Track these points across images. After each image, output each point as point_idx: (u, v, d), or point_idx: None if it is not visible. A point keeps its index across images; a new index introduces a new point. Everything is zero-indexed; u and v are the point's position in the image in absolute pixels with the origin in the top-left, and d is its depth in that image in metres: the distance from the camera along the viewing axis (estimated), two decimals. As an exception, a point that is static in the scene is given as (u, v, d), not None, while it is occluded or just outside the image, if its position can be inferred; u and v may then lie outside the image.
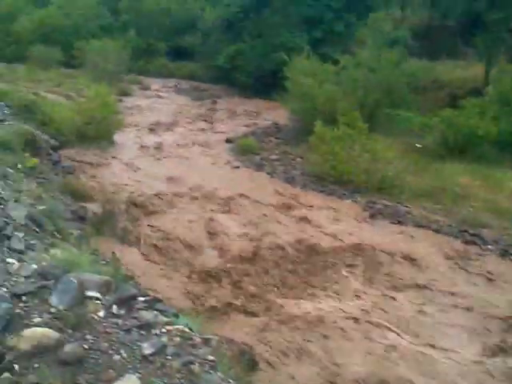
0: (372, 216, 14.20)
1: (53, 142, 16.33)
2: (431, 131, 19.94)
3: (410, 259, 11.46)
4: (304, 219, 13.52)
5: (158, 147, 20.22)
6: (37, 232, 7.08)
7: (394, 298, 9.67)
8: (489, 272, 11.12)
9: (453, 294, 10.03)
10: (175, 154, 19.44)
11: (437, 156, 18.78)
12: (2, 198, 7.78)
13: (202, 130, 24.27)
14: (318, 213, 14.15)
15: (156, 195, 14.43)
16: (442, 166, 17.73)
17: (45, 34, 47.92)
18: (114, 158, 18.16)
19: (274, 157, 19.78)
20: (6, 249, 5.58)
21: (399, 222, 13.86)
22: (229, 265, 10.42)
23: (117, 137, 20.43)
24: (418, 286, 10.26)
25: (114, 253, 9.41)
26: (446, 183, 16.01)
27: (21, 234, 6.34)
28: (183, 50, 48.67)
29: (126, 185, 15.16)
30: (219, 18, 41.72)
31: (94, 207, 12.21)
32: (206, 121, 26.43)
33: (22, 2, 57.32)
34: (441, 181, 16.20)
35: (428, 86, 26.47)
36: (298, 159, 19.48)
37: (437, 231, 13.38)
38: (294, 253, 11.29)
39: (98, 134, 19.14)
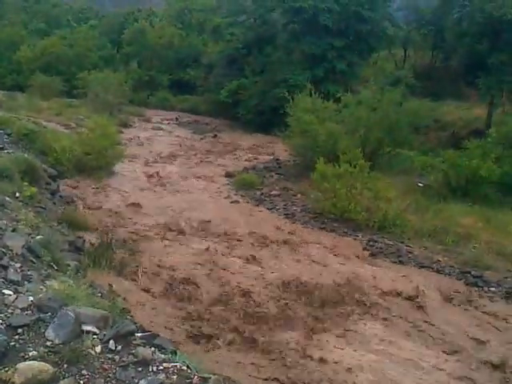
0: (373, 254, 14.02)
1: (52, 171, 16.26)
2: (433, 171, 19.90)
3: (410, 300, 11.22)
4: (303, 256, 13.33)
5: (158, 179, 20.16)
6: (33, 262, 6.93)
7: (396, 344, 9.36)
8: (490, 314, 10.88)
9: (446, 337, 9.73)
10: (175, 187, 19.35)
11: (439, 196, 18.69)
12: (0, 227, 7.64)
13: (203, 163, 24.27)
14: (318, 250, 13.96)
15: (154, 227, 14.29)
16: (444, 206, 17.64)
17: (47, 64, 48.44)
18: (112, 188, 18.06)
19: (274, 192, 19.69)
20: (2, 280, 5.47)
21: (400, 262, 13.67)
22: (227, 299, 10.20)
23: (116, 168, 20.36)
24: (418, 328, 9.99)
25: (110, 285, 9.18)
26: (449, 223, 15.88)
27: (18, 265, 6.23)
28: (185, 84, 49.21)
29: (124, 216, 14.99)
30: (222, 53, 42.18)
31: (91, 238, 12.01)
32: (206, 154, 26.45)
33: (25, 32, 58.05)
34: (443, 221, 16.07)
35: (430, 125, 26.57)
36: (299, 195, 19.38)
37: (438, 272, 13.20)
38: (292, 289, 11.07)
39: (97, 164, 19.10)
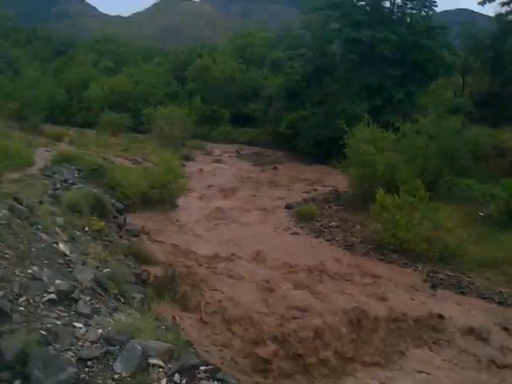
0: (433, 286, 13.86)
1: (119, 205, 16.93)
2: (494, 200, 19.48)
3: (474, 333, 11.07)
4: (364, 288, 13.31)
5: (220, 211, 20.57)
6: (102, 295, 7.22)
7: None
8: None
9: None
10: (236, 219, 19.69)
11: (500, 225, 18.24)
12: (71, 260, 8.08)
13: (263, 195, 24.57)
14: (378, 281, 13.91)
15: (216, 259, 14.57)
16: (505, 235, 17.21)
17: (115, 101, 50.33)
18: (176, 221, 18.57)
19: (333, 223, 19.73)
20: (73, 313, 5.77)
21: (461, 293, 13.49)
22: (291, 334, 10.29)
23: (180, 201, 20.92)
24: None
25: (174, 318, 9.49)
26: (511, 254, 15.51)
27: (87, 298, 6.52)
28: (246, 117, 50.10)
29: (187, 249, 15.38)
30: (281, 86, 42.81)
31: (155, 271, 12.42)
32: (266, 186, 26.79)
33: (95, 71, 60.63)
34: (505, 251, 15.68)
35: (490, 153, 26.04)
36: (358, 226, 19.33)
37: (501, 303, 12.94)
38: (359, 323, 11.09)
39: (162, 198, 19.70)
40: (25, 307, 5.48)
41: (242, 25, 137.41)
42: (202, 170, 30.38)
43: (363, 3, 38.86)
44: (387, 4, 38.37)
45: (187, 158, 32.81)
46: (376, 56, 35.04)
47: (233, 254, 15.08)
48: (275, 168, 33.23)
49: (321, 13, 39.08)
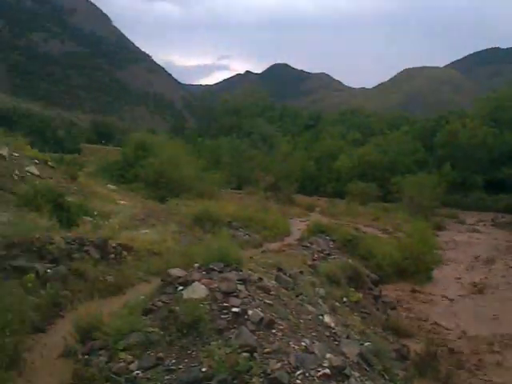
0: None
1: (373, 276, 16.75)
2: None
3: None
4: None
5: (478, 285, 19.12)
6: (367, 371, 7.03)
7: None
8: None
9: None
10: (498, 294, 18.08)
11: None
12: (336, 333, 8.06)
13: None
14: None
15: (480, 339, 13.45)
16: None
17: (363, 171, 51.27)
18: (432, 294, 17.73)
19: None
20: None
21: None
22: None
23: (435, 272, 20.03)
24: None
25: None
26: None
27: (356, 374, 6.39)
28: (500, 183, 47.04)
29: (447, 325, 14.50)
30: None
31: (415, 346, 11.88)
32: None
33: (343, 142, 62.93)
34: None
35: None
36: None
37: None
38: None
39: (416, 269, 19.10)
40: (301, 380, 5.55)
41: (490, 87, 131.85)
42: (455, 239, 28.94)
43: None
44: None
45: (439, 227, 31.74)
46: None
47: (500, 334, 13.74)
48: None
49: None
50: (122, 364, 5.93)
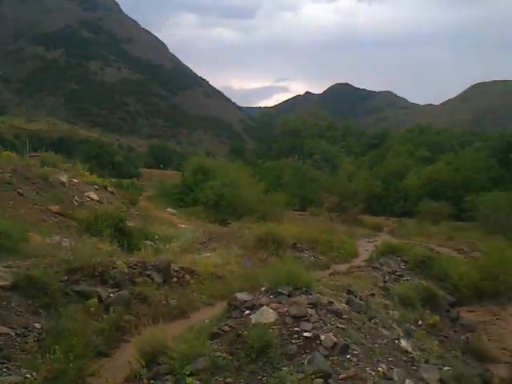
0: None
1: (450, 297, 15.98)
2: None
3: None
4: None
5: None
6: None
7: None
8: None
9: None
10: None
11: None
12: (413, 357, 7.70)
13: None
14: None
15: None
16: None
17: (433, 189, 49.93)
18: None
19: None
20: None
21: None
22: None
23: (516, 294, 18.93)
24: None
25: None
26: None
27: None
28: None
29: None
30: None
31: (499, 371, 11.16)
32: None
33: (410, 160, 61.65)
34: None
35: None
36: None
37: None
38: None
39: (495, 290, 18.10)
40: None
41: None
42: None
43: None
44: None
45: (519, 247, 30.11)
46: None
47: None
48: None
49: None
50: (188, 389, 5.73)
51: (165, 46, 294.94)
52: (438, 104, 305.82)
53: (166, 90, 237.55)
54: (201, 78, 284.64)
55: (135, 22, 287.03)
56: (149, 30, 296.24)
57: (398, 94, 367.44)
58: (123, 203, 20.29)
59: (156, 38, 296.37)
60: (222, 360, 6.23)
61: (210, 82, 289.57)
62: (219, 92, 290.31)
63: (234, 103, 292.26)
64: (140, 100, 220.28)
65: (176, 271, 11.28)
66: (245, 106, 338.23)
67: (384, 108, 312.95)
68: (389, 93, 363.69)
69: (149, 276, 10.27)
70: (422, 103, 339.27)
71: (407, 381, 6.08)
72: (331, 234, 22.53)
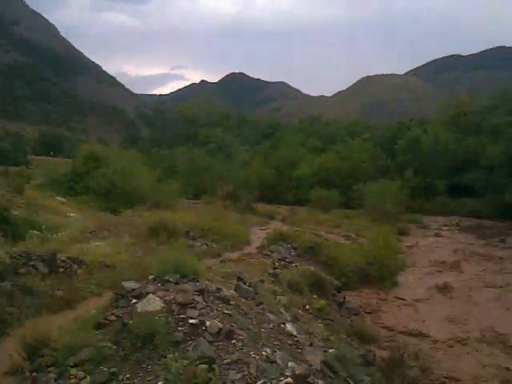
0: None
1: (336, 282, 16.55)
2: None
3: None
4: None
5: (443, 289, 19.07)
6: (331, 378, 6.87)
7: None
8: None
9: None
10: (463, 297, 18.05)
11: None
12: (298, 341, 7.88)
13: (490, 271, 22.43)
14: None
15: (444, 341, 13.37)
16: None
17: (323, 178, 51.39)
18: (396, 299, 17.60)
19: None
20: None
21: None
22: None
23: (399, 277, 19.94)
24: None
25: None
26: None
27: (321, 382, 6.22)
28: (463, 188, 47.67)
29: (411, 329, 14.35)
30: (504, 153, 40.25)
31: (381, 352, 11.69)
32: (493, 261, 24.55)
33: (302, 150, 63.05)
34: None
35: None
36: None
37: None
38: None
39: (380, 274, 18.99)
40: (263, 390, 5.32)
41: (450, 94, 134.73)
42: (419, 244, 29.06)
43: None
44: None
45: (402, 233, 31.90)
46: None
47: (463, 333, 13.71)
48: (502, 240, 30.57)
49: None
50: (72, 380, 5.72)
51: (56, 29, 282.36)
52: (330, 95, 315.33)
53: (56, 75, 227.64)
54: (93, 62, 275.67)
55: (23, 2, 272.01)
56: (39, 12, 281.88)
57: (292, 85, 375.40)
58: (8, 192, 19.43)
59: (47, 20, 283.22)
60: (107, 350, 6.12)
61: (103, 68, 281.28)
62: (113, 78, 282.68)
63: (128, 90, 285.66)
64: (29, 84, 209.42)
65: (63, 261, 10.92)
66: (140, 93, 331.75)
67: (278, 98, 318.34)
68: (283, 84, 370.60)
69: (33, 266, 9.89)
70: (314, 94, 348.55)
71: (290, 363, 6.16)
72: (224, 222, 22.64)
